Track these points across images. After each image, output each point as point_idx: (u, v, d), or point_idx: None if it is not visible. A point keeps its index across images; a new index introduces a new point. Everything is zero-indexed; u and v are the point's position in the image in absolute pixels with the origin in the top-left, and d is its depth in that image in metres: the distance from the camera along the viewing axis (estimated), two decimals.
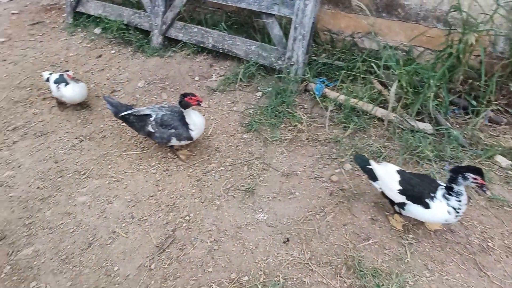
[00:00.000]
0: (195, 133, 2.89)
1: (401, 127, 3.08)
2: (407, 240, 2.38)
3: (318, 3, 3.41)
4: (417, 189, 2.22)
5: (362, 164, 2.49)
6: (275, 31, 3.64)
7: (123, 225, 2.64)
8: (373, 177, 2.41)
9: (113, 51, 4.56)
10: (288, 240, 2.44)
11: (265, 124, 3.31)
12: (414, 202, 2.23)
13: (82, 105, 3.77)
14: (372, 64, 3.34)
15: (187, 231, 2.56)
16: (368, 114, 3.23)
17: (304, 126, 3.25)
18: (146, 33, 4.57)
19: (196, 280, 2.28)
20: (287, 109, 3.38)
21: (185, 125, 2.85)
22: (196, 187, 2.86)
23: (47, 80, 3.69)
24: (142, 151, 3.22)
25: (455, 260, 2.28)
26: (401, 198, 2.26)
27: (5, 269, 2.41)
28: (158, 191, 2.85)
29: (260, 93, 3.67)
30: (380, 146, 2.98)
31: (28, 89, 4.07)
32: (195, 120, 2.85)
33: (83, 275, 2.36)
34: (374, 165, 2.38)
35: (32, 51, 4.72)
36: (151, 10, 4.36)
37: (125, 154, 3.20)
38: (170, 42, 4.44)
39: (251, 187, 2.79)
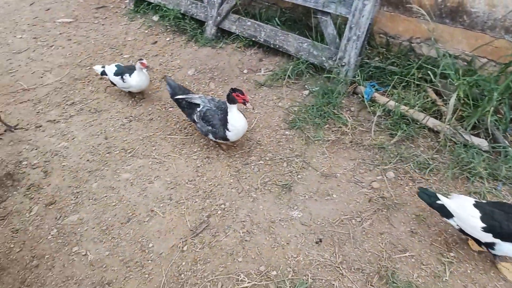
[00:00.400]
0: (231, 134, 2.83)
1: (454, 140, 2.92)
2: (448, 258, 2.26)
3: (377, 4, 3.30)
4: (505, 224, 1.94)
5: (429, 200, 2.23)
6: (329, 30, 3.58)
7: (161, 205, 2.73)
8: (446, 214, 2.16)
9: (168, 39, 4.72)
10: (320, 241, 2.40)
11: (309, 123, 3.27)
12: (505, 240, 1.97)
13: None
14: (429, 71, 3.19)
15: (221, 219, 2.60)
16: (418, 123, 3.09)
17: (348, 129, 3.17)
18: (201, 23, 4.68)
19: (225, 268, 2.31)
20: (333, 110, 3.32)
21: (225, 124, 2.80)
22: (234, 177, 2.89)
23: (103, 73, 3.71)
24: (185, 136, 3.31)
25: (499, 287, 2.13)
26: (487, 237, 2.00)
27: (52, 231, 2.59)
28: (197, 176, 2.92)
29: (307, 92, 3.63)
30: (428, 158, 2.84)
31: (88, 68, 4.31)
32: (236, 120, 2.79)
33: (120, 247, 2.48)
34: (444, 200, 2.13)
35: (94, 32, 5.00)
36: (208, 1, 4.45)
37: (170, 138, 3.30)
38: (223, 34, 4.51)
39: (288, 183, 2.78)
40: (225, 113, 2.81)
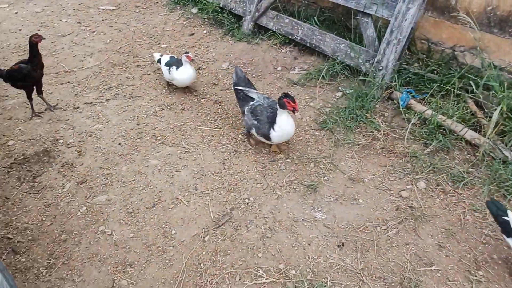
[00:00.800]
0: (275, 135, 2.80)
1: (492, 155, 2.78)
2: (476, 276, 2.16)
3: (422, 8, 3.19)
4: None
5: (496, 211, 2.12)
6: (369, 32, 3.50)
7: (186, 194, 2.77)
8: (508, 231, 2.05)
9: (205, 31, 4.77)
10: (343, 245, 2.36)
11: (340, 125, 3.22)
12: None
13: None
14: (471, 82, 3.05)
15: (244, 213, 2.60)
16: (455, 134, 2.97)
17: (380, 135, 3.10)
18: (238, 18, 4.69)
19: (245, 262, 2.31)
20: (366, 114, 3.25)
21: (272, 123, 2.78)
22: (260, 173, 2.89)
23: (158, 61, 3.76)
24: (215, 128, 3.34)
25: None
26: None
27: (81, 209, 2.68)
28: (223, 169, 2.94)
29: (340, 93, 3.57)
30: (463, 171, 2.72)
31: (126, 55, 4.43)
32: (284, 124, 2.75)
33: (143, 230, 2.53)
34: None
35: (135, 21, 5.13)
36: None
37: (199, 129, 3.34)
38: (259, 30, 4.51)
39: (314, 184, 2.75)
40: (274, 112, 2.79)
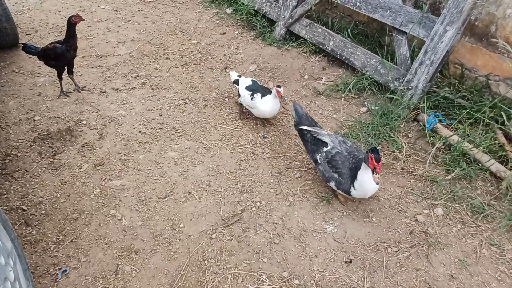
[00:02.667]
0: (355, 193, 2.44)
1: None
2: None
3: (460, 32, 3.12)
4: None
5: None
6: (402, 50, 3.44)
7: (199, 189, 2.77)
8: None
9: (236, 32, 4.80)
10: (350, 261, 2.30)
11: (361, 140, 3.16)
12: None
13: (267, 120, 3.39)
14: (502, 112, 2.96)
15: (254, 216, 2.58)
16: (480, 164, 2.87)
17: (402, 155, 3.03)
18: (271, 22, 4.71)
19: (249, 265, 2.29)
20: (389, 132, 3.18)
21: (353, 178, 2.40)
22: (275, 178, 2.86)
23: (235, 82, 3.42)
24: (235, 128, 3.34)
25: None
26: None
27: (95, 191, 2.72)
28: (239, 169, 2.93)
29: (365, 109, 3.52)
30: (484, 203, 2.63)
31: (157, 46, 4.50)
32: (365, 182, 2.35)
33: (153, 220, 2.54)
34: None
35: (169, 15, 5.21)
36: (283, 2, 4.47)
37: (220, 126, 3.35)
38: (290, 36, 4.51)
39: (328, 196, 2.70)
40: (357, 163, 2.41)
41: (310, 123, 2.77)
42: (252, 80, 3.32)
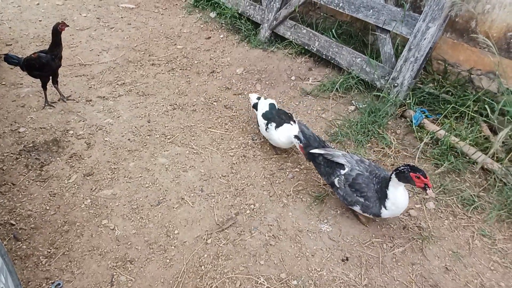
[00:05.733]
0: (387, 213, 2.27)
1: (504, 181, 2.74)
2: None
3: (441, 28, 3.19)
4: None
5: None
6: (386, 48, 3.49)
7: (192, 195, 2.75)
8: None
9: (221, 36, 4.80)
10: (347, 259, 2.31)
11: (351, 138, 3.19)
12: None
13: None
14: (486, 106, 3.03)
15: (248, 219, 2.57)
16: (467, 157, 2.93)
17: (391, 151, 3.07)
18: (256, 25, 4.72)
19: (246, 268, 2.28)
20: (378, 130, 3.22)
21: (382, 198, 2.23)
22: (268, 180, 2.86)
23: (255, 107, 3.14)
24: (225, 132, 3.33)
25: None
26: None
27: (86, 201, 2.66)
28: (231, 173, 2.92)
29: (353, 107, 3.56)
30: (473, 195, 2.68)
31: (142, 53, 4.46)
32: (399, 199, 2.19)
33: (146, 228, 2.51)
34: None
35: (153, 21, 5.18)
36: (267, 5, 4.49)
37: (209, 131, 3.33)
38: (276, 38, 4.53)
39: (322, 195, 2.71)
40: (382, 183, 2.26)
41: (319, 144, 2.57)
42: (269, 104, 2.99)
